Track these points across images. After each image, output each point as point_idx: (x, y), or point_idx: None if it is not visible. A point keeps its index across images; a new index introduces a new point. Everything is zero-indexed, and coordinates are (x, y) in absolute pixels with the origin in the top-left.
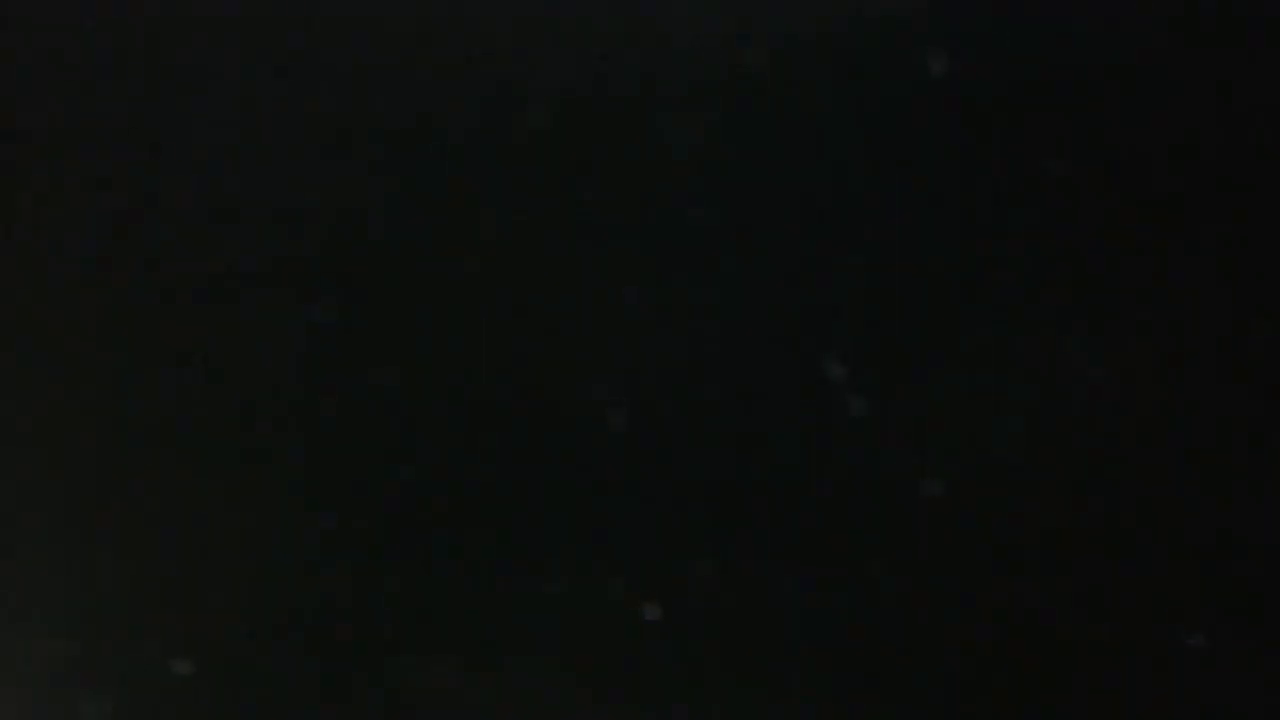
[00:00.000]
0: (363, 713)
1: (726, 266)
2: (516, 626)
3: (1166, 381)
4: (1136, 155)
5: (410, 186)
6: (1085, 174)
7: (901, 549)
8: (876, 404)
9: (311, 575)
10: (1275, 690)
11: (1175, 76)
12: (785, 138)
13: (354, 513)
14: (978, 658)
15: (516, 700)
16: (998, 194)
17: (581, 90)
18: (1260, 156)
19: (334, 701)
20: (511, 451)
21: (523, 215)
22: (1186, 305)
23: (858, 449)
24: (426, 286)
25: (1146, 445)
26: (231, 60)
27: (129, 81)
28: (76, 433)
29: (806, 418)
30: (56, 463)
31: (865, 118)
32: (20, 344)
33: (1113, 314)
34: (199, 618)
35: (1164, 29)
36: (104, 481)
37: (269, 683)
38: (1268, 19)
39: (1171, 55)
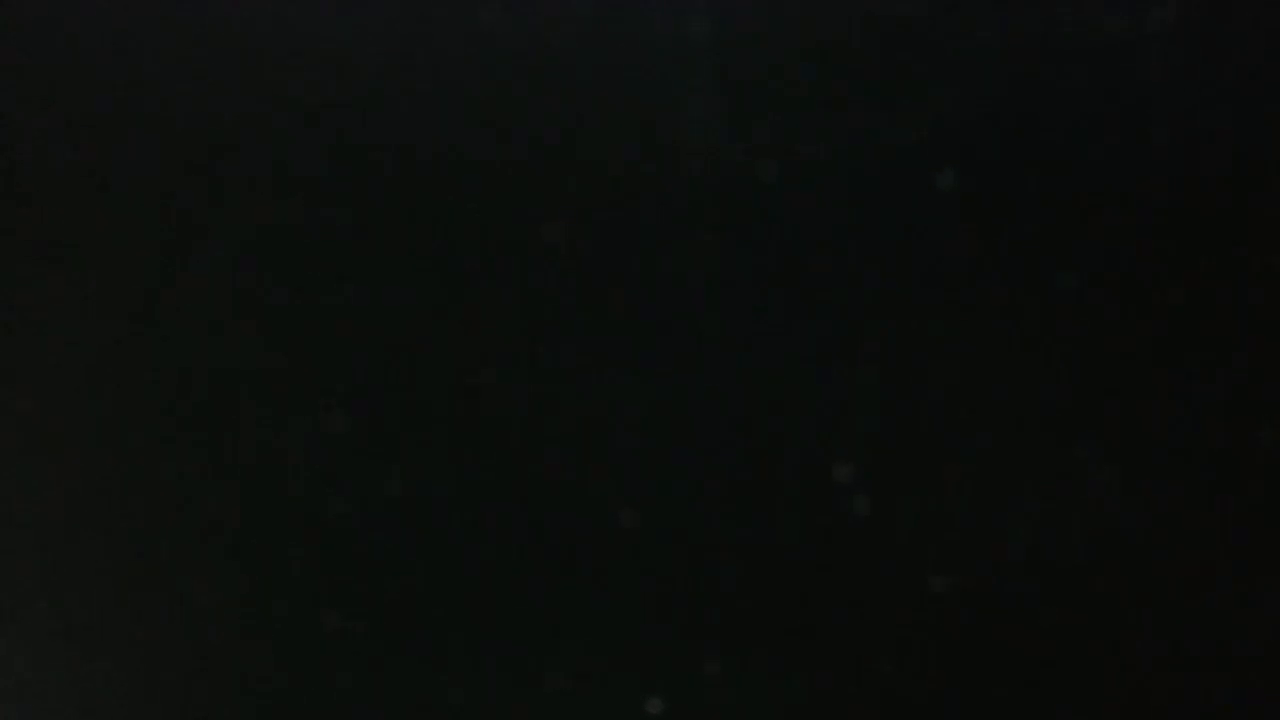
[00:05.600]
0: None
1: (735, 369)
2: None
3: (1170, 483)
4: (1144, 267)
5: (422, 296)
6: (1091, 287)
7: (907, 646)
8: (883, 505)
9: (314, 677)
10: None
11: (1186, 191)
12: (794, 249)
13: (357, 612)
14: None
15: None
16: (1003, 304)
17: (593, 205)
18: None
19: None
20: (518, 546)
21: (533, 320)
22: (1192, 411)
23: (864, 549)
24: (435, 391)
25: (1151, 544)
26: (248, 170)
27: (135, 178)
28: (78, 539)
29: (813, 518)
30: (58, 568)
31: (873, 231)
32: (20, 452)
33: (1119, 418)
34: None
35: (1174, 141)
36: (105, 583)
37: None
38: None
39: (1181, 168)
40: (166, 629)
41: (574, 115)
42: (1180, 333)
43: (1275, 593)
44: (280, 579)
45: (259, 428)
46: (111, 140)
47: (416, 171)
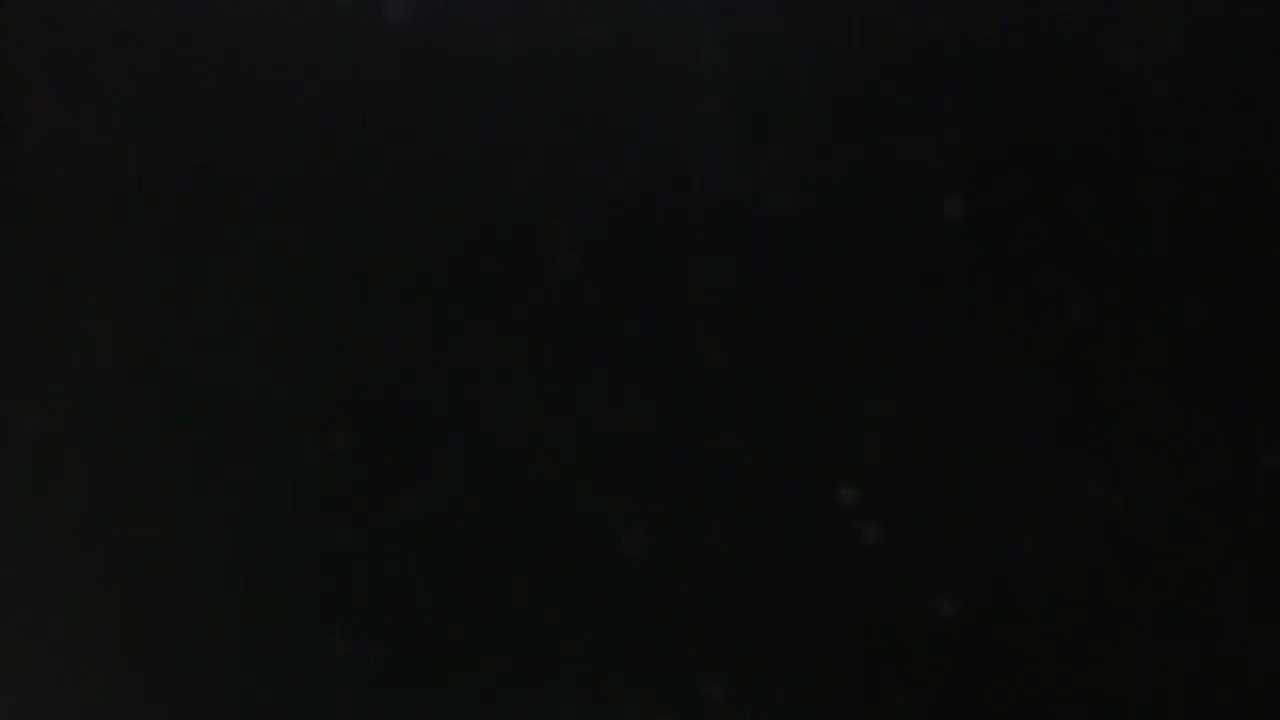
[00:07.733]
0: None
1: (744, 397)
2: None
3: (1178, 507)
4: (1149, 294)
5: (427, 315)
6: (1101, 310)
7: (914, 671)
8: (889, 530)
9: (323, 699)
10: None
11: (1189, 220)
12: (804, 275)
13: (367, 633)
14: None
15: None
16: (1008, 329)
17: (605, 232)
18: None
19: None
20: (526, 573)
21: (538, 345)
22: (1198, 431)
23: (870, 574)
24: (442, 414)
25: (1159, 566)
26: (251, 177)
27: (135, 180)
28: (94, 560)
29: (820, 543)
30: (63, 583)
31: (882, 258)
32: (26, 466)
33: (1123, 440)
34: None
35: (1178, 172)
36: (118, 603)
37: None
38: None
39: (1182, 197)
40: (169, 641)
41: (584, 135)
42: (1191, 358)
43: None
44: (282, 596)
45: (262, 442)
46: (112, 142)
47: (423, 188)
